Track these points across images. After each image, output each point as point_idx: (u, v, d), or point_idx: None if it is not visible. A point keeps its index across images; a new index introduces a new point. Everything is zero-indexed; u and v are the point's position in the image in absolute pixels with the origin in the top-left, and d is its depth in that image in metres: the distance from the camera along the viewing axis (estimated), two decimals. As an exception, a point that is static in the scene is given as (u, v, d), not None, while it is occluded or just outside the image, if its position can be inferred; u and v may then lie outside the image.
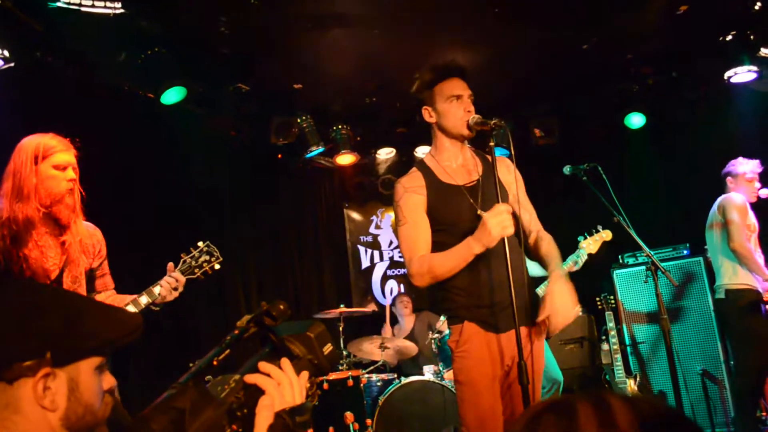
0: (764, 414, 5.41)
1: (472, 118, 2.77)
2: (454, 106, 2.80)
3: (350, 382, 5.10)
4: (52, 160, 2.75)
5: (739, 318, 4.74)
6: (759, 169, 4.97)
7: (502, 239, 2.54)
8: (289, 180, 7.26)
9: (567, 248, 5.08)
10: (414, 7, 4.92)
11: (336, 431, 4.96)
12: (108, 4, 3.99)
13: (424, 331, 6.12)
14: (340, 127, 6.78)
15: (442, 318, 5.50)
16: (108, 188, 4.98)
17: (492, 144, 2.72)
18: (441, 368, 5.24)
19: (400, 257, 7.67)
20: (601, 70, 6.29)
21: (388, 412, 4.99)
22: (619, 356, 5.55)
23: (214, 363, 1.19)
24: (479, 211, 2.74)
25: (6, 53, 4.11)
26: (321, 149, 6.60)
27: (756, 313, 4.72)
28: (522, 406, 2.51)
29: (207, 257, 3.22)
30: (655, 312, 4.53)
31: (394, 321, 6.53)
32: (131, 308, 2.93)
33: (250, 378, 1.19)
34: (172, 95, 5.18)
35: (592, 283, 6.17)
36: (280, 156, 6.87)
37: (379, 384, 5.42)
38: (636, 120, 6.68)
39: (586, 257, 4.92)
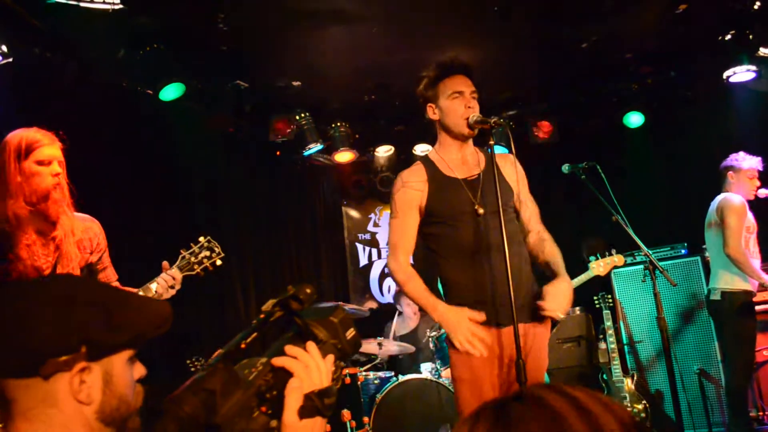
0: (760, 414, 5.43)
1: (473, 116, 2.80)
2: (456, 103, 2.83)
3: (347, 380, 5.10)
4: (35, 155, 2.70)
5: (733, 319, 4.76)
6: (760, 167, 4.97)
7: (502, 236, 2.57)
8: (287, 177, 7.25)
9: (565, 248, 5.07)
10: (413, 5, 4.91)
11: (333, 429, 4.96)
12: (107, 0, 3.97)
13: (425, 330, 6.11)
14: (338, 124, 6.77)
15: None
16: (105, 184, 4.97)
17: (492, 142, 2.76)
18: (438, 366, 5.24)
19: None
20: (601, 69, 6.29)
21: (386, 410, 4.99)
22: (616, 355, 5.56)
23: (242, 346, 1.20)
24: (477, 206, 2.78)
25: (4, 49, 4.09)
26: (320, 146, 6.60)
27: (749, 314, 4.75)
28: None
29: (207, 253, 3.13)
30: (652, 311, 4.53)
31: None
32: None
33: (278, 361, 1.20)
34: (171, 92, 5.17)
35: (589, 282, 6.17)
36: (278, 153, 6.86)
37: (376, 382, 5.43)
38: (635, 119, 6.68)
39: (591, 276, 4.99)
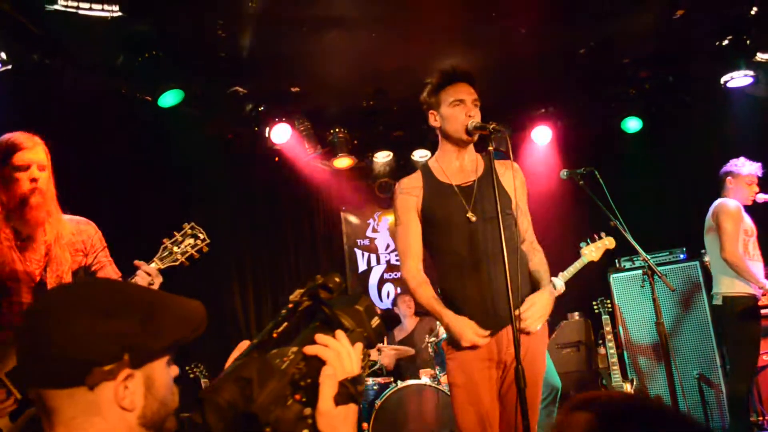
0: (760, 418, 5.43)
1: (471, 122, 2.82)
2: (457, 111, 2.86)
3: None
4: (13, 161, 2.65)
5: (735, 323, 4.75)
6: (760, 173, 4.97)
7: (501, 243, 2.58)
8: (286, 183, 7.25)
9: (564, 252, 5.10)
10: (412, 11, 4.92)
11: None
12: (105, 7, 3.99)
13: (424, 334, 6.12)
14: (337, 130, 6.78)
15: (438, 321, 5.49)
16: (104, 189, 4.98)
17: (491, 148, 2.77)
18: (437, 372, 5.24)
19: (396, 261, 7.67)
20: (598, 75, 6.31)
21: (385, 416, 4.99)
22: (615, 360, 5.56)
23: (274, 336, 1.22)
24: (469, 213, 2.79)
25: (4, 55, 4.10)
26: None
27: (752, 318, 4.74)
28: (519, 410, 2.52)
29: (192, 240, 3.00)
30: (651, 316, 4.53)
31: (397, 322, 6.53)
32: None
33: (311, 349, 1.20)
34: (170, 98, 5.17)
35: (589, 287, 6.17)
36: (277, 159, 6.87)
37: (375, 388, 5.42)
38: (633, 124, 6.69)
39: (585, 263, 4.94)
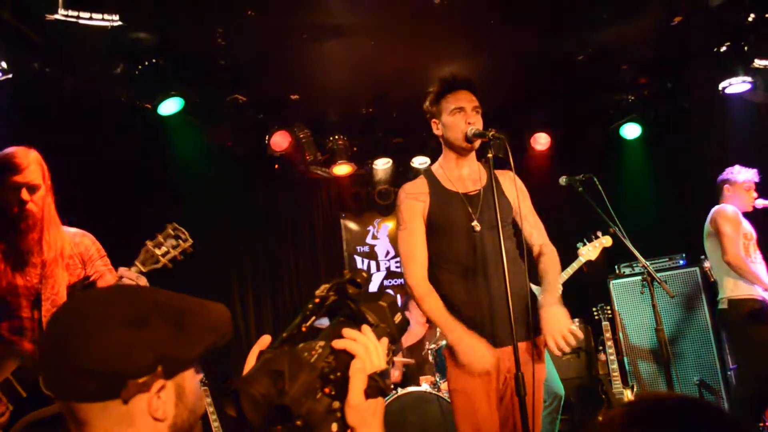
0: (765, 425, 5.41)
1: (471, 129, 2.83)
2: (458, 119, 2.87)
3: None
4: (3, 182, 2.63)
5: (742, 326, 4.74)
6: (756, 179, 5.00)
7: (501, 252, 2.59)
8: (286, 190, 7.26)
9: (564, 258, 5.08)
10: (411, 18, 4.94)
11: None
12: (106, 16, 4.00)
13: (425, 341, 6.09)
14: (336, 137, 6.79)
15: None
16: (104, 198, 4.98)
17: (490, 155, 2.77)
18: (437, 379, 5.23)
19: (396, 267, 7.68)
20: (597, 81, 6.32)
21: (385, 423, 4.96)
22: (616, 366, 5.55)
23: (303, 329, 1.23)
24: (474, 222, 2.80)
25: (4, 64, 4.12)
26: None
27: (759, 321, 4.72)
28: (520, 418, 2.52)
29: (174, 242, 2.86)
30: (651, 322, 4.53)
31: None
32: None
33: (339, 343, 1.21)
34: (170, 106, 5.19)
35: (588, 293, 6.17)
36: (276, 166, 6.88)
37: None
38: (631, 130, 6.70)
39: (582, 263, 4.92)
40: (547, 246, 2.99)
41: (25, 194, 2.67)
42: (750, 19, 5.25)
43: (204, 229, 6.11)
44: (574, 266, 4.93)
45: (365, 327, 1.26)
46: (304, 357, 1.16)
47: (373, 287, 7.72)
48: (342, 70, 5.63)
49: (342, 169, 6.98)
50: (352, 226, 7.85)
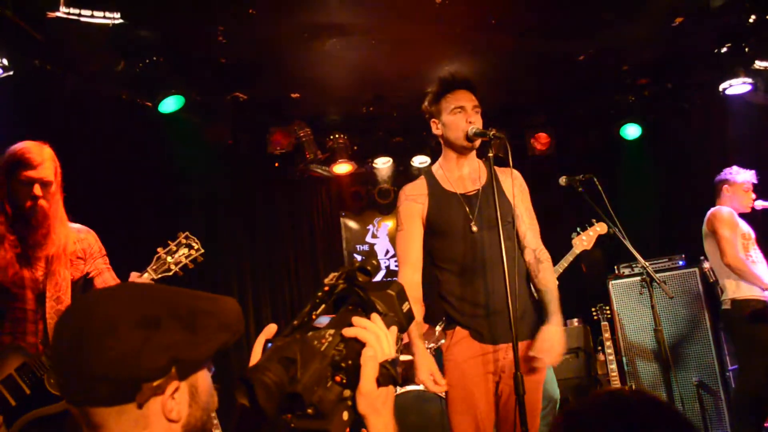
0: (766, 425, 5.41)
1: (471, 128, 2.83)
2: (457, 118, 2.87)
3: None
4: (18, 176, 2.68)
5: (744, 326, 4.74)
6: (755, 180, 5.00)
7: (500, 252, 2.59)
8: (286, 189, 7.26)
9: (562, 257, 5.08)
10: (411, 18, 4.94)
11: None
12: (107, 14, 4.00)
13: (430, 343, 6.08)
14: (337, 136, 6.79)
15: (438, 328, 5.49)
16: (104, 196, 4.99)
17: (491, 155, 2.78)
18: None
19: (396, 267, 7.68)
20: (597, 81, 6.33)
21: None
22: (614, 367, 5.55)
23: (313, 317, 1.22)
24: (472, 223, 2.80)
25: (5, 62, 4.12)
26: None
27: (762, 321, 4.72)
28: (517, 419, 2.52)
29: (186, 250, 2.95)
30: (650, 323, 4.53)
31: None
32: None
33: (350, 331, 1.20)
34: (170, 104, 5.19)
35: (587, 294, 6.17)
36: (277, 165, 6.88)
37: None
38: (632, 131, 6.70)
39: (576, 254, 4.88)
40: (542, 252, 2.96)
41: (37, 190, 2.71)
42: (751, 20, 5.25)
43: (203, 228, 6.15)
44: (569, 258, 4.88)
45: (375, 315, 1.25)
46: (314, 345, 1.15)
47: (372, 286, 7.72)
48: (342, 68, 5.63)
49: (342, 167, 6.98)
50: (352, 224, 7.85)
